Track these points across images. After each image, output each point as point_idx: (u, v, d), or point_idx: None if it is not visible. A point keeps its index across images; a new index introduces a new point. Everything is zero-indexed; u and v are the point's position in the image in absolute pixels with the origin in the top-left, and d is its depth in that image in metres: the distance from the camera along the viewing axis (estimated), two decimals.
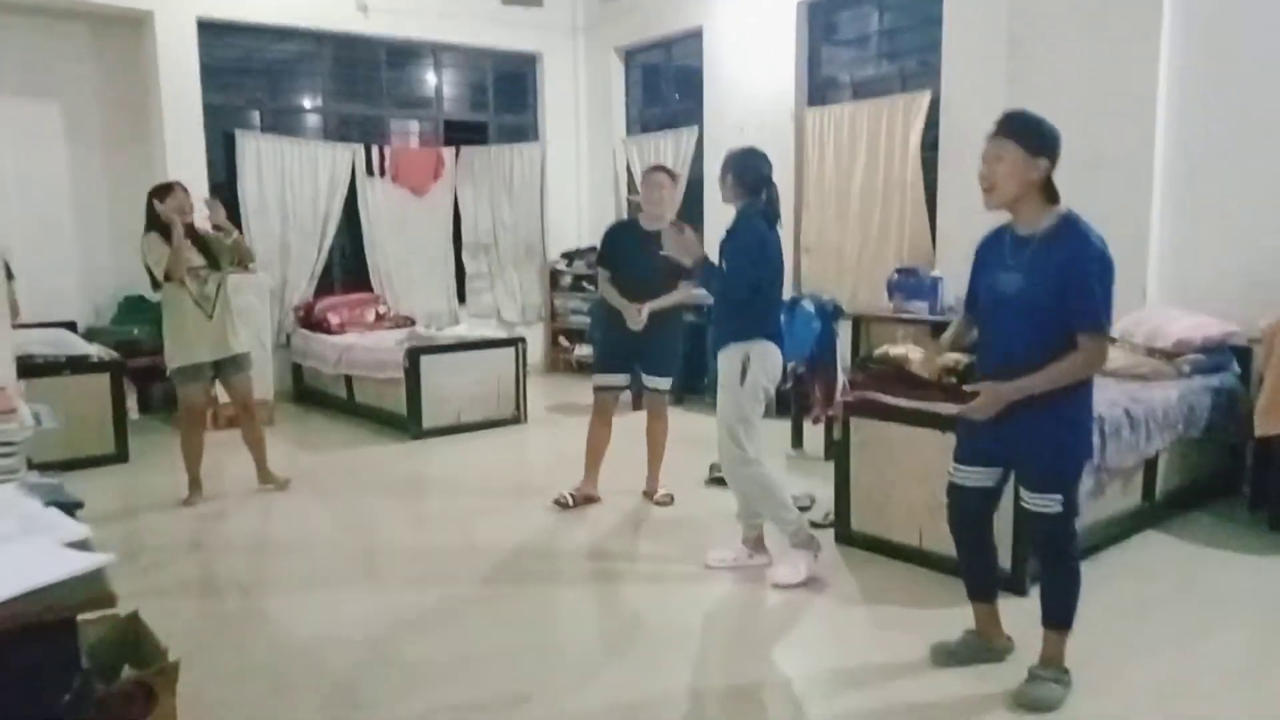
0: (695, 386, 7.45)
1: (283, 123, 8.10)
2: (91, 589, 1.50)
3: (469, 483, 5.42)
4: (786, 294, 6.12)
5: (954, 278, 5.90)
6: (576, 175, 9.39)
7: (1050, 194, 2.68)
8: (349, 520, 4.82)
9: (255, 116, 7.94)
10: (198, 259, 4.81)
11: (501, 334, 7.56)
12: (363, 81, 8.41)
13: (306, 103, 8.35)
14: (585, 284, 8.72)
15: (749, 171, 3.69)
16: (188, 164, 7.00)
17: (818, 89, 7.22)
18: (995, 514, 2.98)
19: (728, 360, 3.70)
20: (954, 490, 2.94)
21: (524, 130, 9.24)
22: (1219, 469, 4.65)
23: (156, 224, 4.71)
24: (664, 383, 4.71)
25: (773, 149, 7.28)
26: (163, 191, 4.76)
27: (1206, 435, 4.39)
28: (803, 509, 4.33)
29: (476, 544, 4.33)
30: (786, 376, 4.72)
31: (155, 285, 4.79)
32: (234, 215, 7.50)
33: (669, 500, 4.77)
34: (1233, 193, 4.83)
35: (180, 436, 5.01)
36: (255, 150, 7.63)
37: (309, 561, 4.16)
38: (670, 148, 8.31)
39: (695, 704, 2.86)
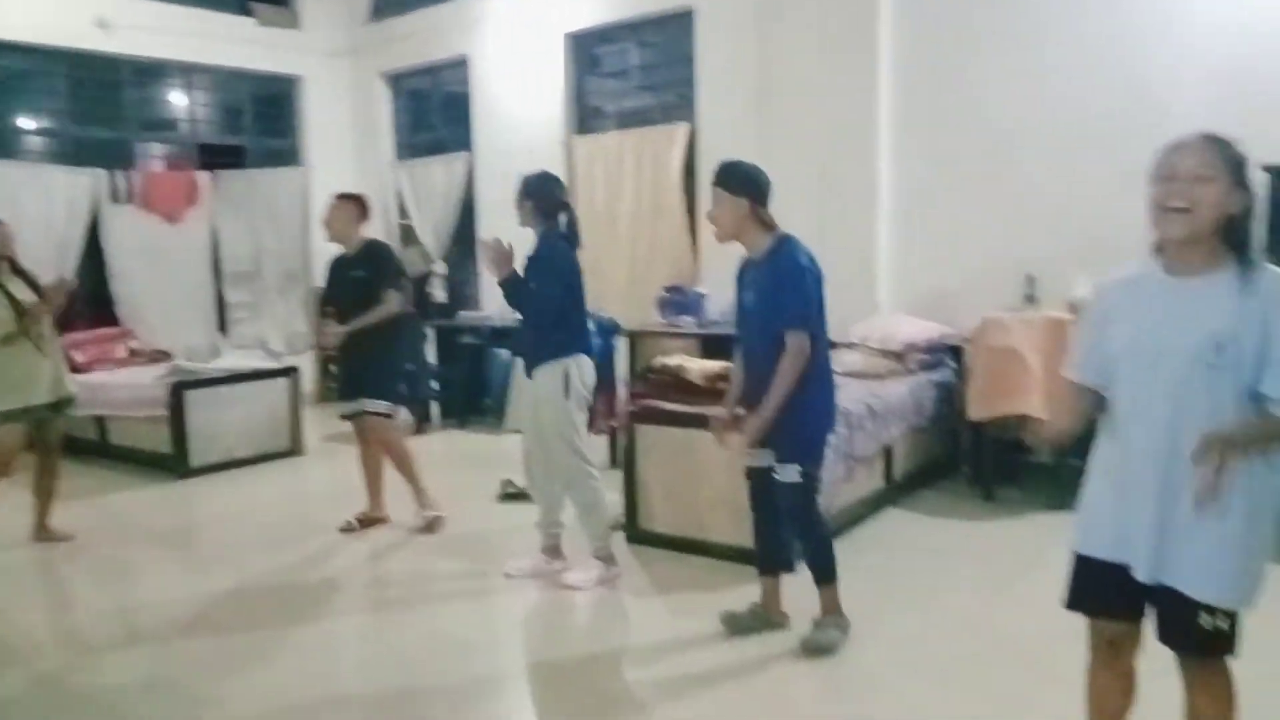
0: (477, 406, 7.56)
1: (6, 145, 7.40)
2: None
3: (244, 520, 5.21)
4: None
5: (717, 294, 6.42)
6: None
7: (765, 223, 3.16)
8: (109, 572, 4.50)
9: None
10: (28, 294, 4.43)
11: (270, 364, 7.29)
12: (105, 102, 7.85)
13: (36, 124, 7.67)
14: None
15: (545, 196, 3.88)
16: None
17: (585, 118, 7.58)
18: None
19: (549, 377, 3.82)
20: (747, 471, 3.34)
21: (286, 155, 8.96)
22: (944, 451, 5.39)
23: None
24: (374, 404, 4.61)
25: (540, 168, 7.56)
26: None
27: (932, 423, 5.10)
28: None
29: (253, 583, 4.16)
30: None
31: None
32: None
33: (432, 526, 4.67)
34: (944, 218, 5.64)
35: None
36: None
37: (64, 621, 3.89)
38: (441, 173, 8.39)
39: (504, 691, 3.02)
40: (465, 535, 4.68)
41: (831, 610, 3.26)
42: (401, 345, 5.00)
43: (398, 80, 8.98)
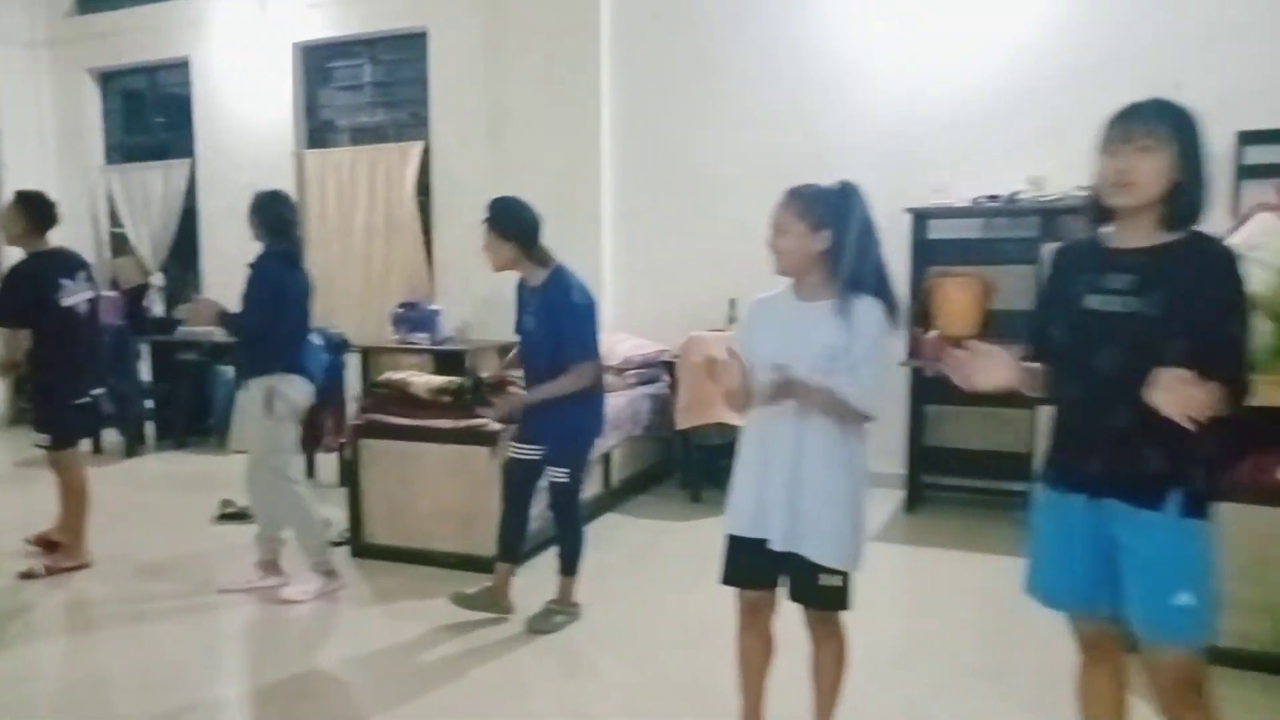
0: (198, 426, 7.21)
1: None
2: None
3: None
4: None
5: (451, 310, 6.58)
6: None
7: (537, 259, 3.49)
8: None
9: None
10: None
11: None
12: None
13: None
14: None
15: (267, 215, 3.93)
16: None
17: (317, 131, 7.48)
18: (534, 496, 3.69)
19: (254, 392, 3.85)
20: (509, 462, 3.64)
21: None
22: (658, 459, 5.86)
23: None
24: (40, 438, 4.29)
25: (272, 187, 7.40)
26: None
27: (647, 432, 5.55)
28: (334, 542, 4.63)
29: None
30: None
31: None
32: None
33: (46, 572, 4.22)
34: (661, 246, 6.14)
35: None
36: None
37: None
38: (160, 180, 7.93)
39: (217, 713, 3.02)
40: (179, 557, 4.52)
41: (566, 599, 3.61)
42: (37, 376, 4.32)
43: (109, 78, 8.37)
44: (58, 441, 4.30)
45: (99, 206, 8.34)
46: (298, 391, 3.93)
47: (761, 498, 2.40)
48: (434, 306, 6.57)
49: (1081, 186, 4.71)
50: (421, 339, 6.47)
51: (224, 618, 3.82)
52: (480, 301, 6.45)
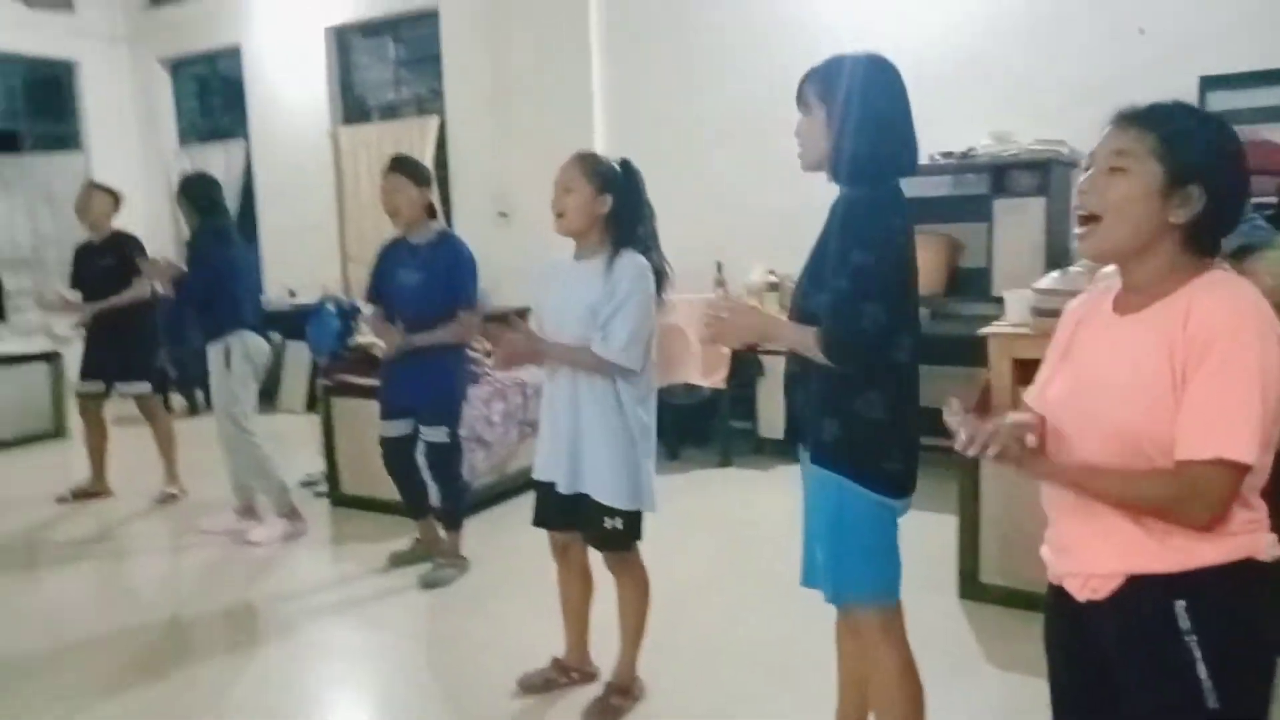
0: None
1: None
2: None
3: (14, 493, 5.44)
4: (318, 296, 6.83)
5: None
6: (130, 185, 9.24)
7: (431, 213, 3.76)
8: None
9: None
10: None
11: (33, 349, 7.39)
12: None
13: None
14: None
15: (198, 196, 4.36)
16: None
17: (351, 109, 7.94)
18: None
19: (213, 353, 4.30)
20: (384, 442, 3.88)
21: (66, 140, 8.96)
22: None
23: None
24: (131, 387, 5.07)
25: (313, 163, 7.88)
26: None
27: None
28: (311, 482, 5.10)
29: None
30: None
31: None
32: None
33: (170, 497, 5.09)
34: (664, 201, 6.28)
35: None
36: None
37: None
38: (221, 160, 8.59)
39: (167, 632, 3.49)
40: (176, 505, 5.07)
41: (453, 552, 3.87)
42: (134, 331, 5.13)
43: (178, 66, 9.09)
44: (156, 388, 5.16)
45: (174, 184, 9.08)
46: (254, 348, 4.34)
47: (552, 445, 2.62)
48: None
49: (1042, 140, 4.67)
50: None
51: (194, 555, 4.33)
52: (498, 268, 6.77)
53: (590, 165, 2.55)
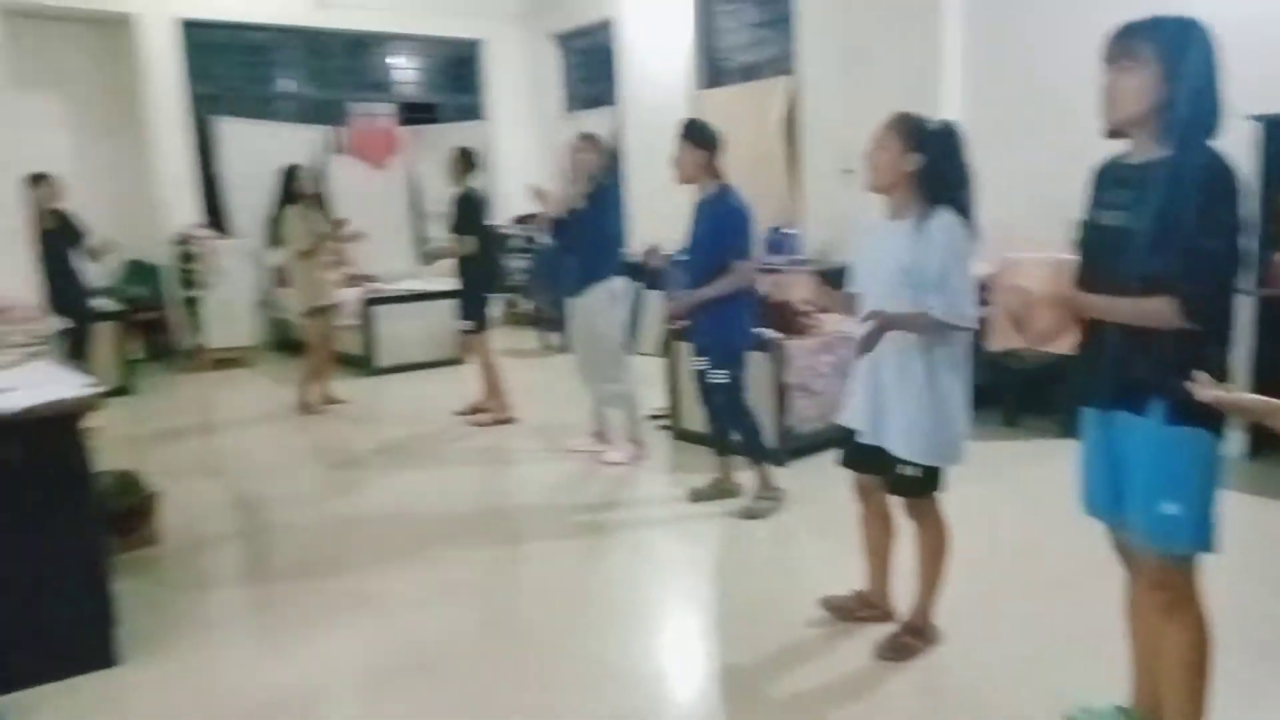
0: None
1: (258, 109, 9.29)
2: (89, 402, 2.78)
3: (418, 407, 6.69)
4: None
5: (811, 233, 7.14)
6: (522, 149, 10.55)
7: (714, 172, 4.04)
8: (318, 442, 6.11)
9: (232, 104, 9.11)
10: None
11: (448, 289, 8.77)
12: (328, 69, 9.59)
13: (278, 90, 9.54)
14: (530, 245, 9.94)
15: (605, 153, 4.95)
16: (171, 148, 8.23)
17: (711, 73, 8.39)
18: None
19: (597, 295, 4.84)
20: (693, 375, 4.29)
21: (472, 110, 10.40)
22: (978, 381, 5.89)
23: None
24: (461, 324, 5.98)
25: (671, 127, 8.35)
26: None
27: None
28: (657, 416, 5.66)
29: (396, 438, 5.66)
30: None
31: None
32: (214, 192, 8.77)
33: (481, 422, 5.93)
34: (994, 166, 6.02)
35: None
36: (233, 134, 8.83)
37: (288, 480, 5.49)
38: (599, 125, 9.47)
39: (518, 518, 4.19)
40: (542, 423, 5.90)
41: (766, 485, 4.17)
42: (480, 274, 5.99)
43: (564, 40, 10.12)
44: (478, 327, 5.94)
45: (559, 147, 10.18)
46: (626, 292, 4.98)
47: (859, 396, 2.79)
48: (791, 230, 7.18)
49: None
50: (779, 260, 7.13)
51: (559, 468, 5.04)
52: (841, 225, 6.89)
53: (901, 124, 2.64)
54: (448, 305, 8.02)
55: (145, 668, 2.93)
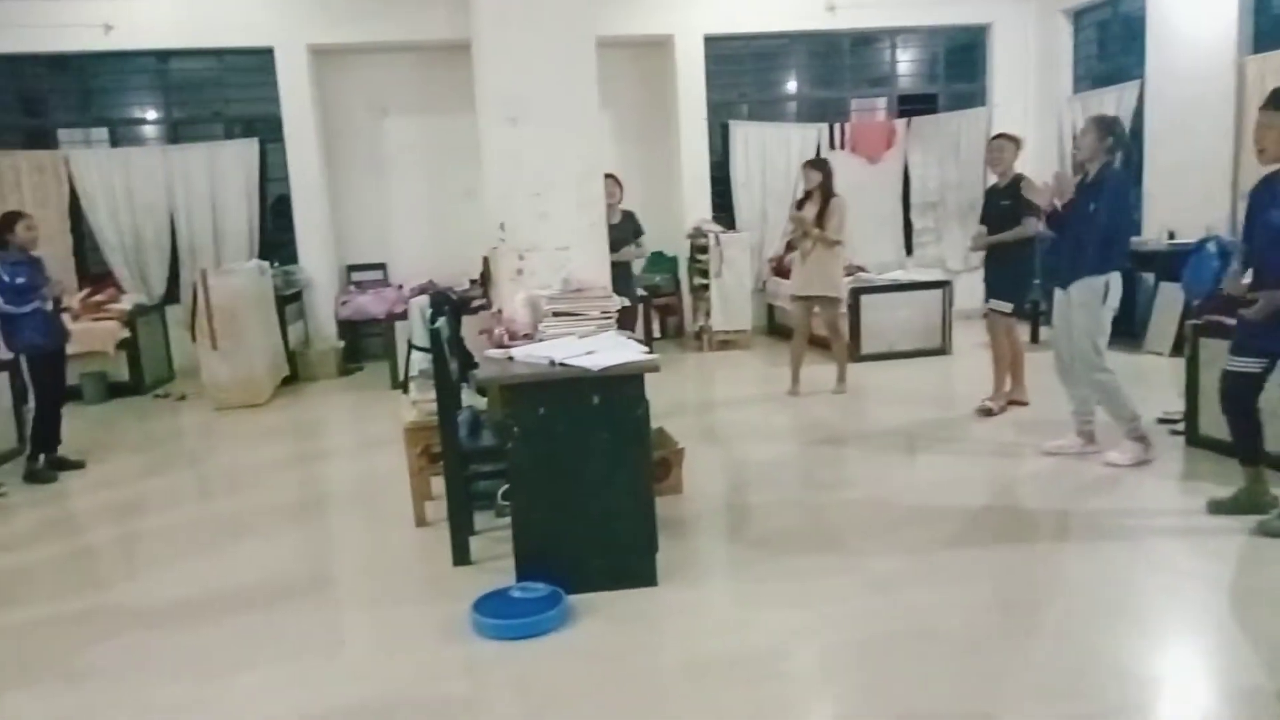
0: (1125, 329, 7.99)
1: (765, 111, 10.09)
2: (649, 365, 3.41)
3: (902, 394, 6.86)
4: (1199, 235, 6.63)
5: None
6: (1024, 132, 10.05)
7: None
8: (814, 421, 6.61)
9: (744, 109, 10.01)
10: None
11: (936, 278, 8.75)
12: (829, 69, 10.09)
13: (785, 92, 10.26)
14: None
15: (1113, 134, 4.60)
16: (692, 151, 9.34)
17: (1261, 36, 7.26)
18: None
19: (1089, 287, 4.61)
20: (1228, 376, 3.85)
21: (972, 97, 10.17)
22: None
23: None
24: (997, 304, 5.90)
25: (1213, 96, 7.44)
26: None
27: None
28: (1169, 420, 5.19)
29: (883, 424, 5.89)
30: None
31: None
32: (726, 190, 9.74)
33: (989, 411, 5.85)
34: None
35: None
36: (743, 136, 9.73)
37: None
38: (1112, 103, 8.73)
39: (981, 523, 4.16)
40: (1028, 419, 5.72)
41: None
42: (1019, 258, 5.94)
43: (1079, 15, 9.44)
44: (1016, 311, 6.03)
45: (1064, 131, 9.57)
46: (1119, 288, 4.61)
47: None
48: None
49: None
50: None
51: (1045, 467, 4.82)
52: None
53: None
54: (931, 296, 8.12)
55: (677, 590, 3.49)
